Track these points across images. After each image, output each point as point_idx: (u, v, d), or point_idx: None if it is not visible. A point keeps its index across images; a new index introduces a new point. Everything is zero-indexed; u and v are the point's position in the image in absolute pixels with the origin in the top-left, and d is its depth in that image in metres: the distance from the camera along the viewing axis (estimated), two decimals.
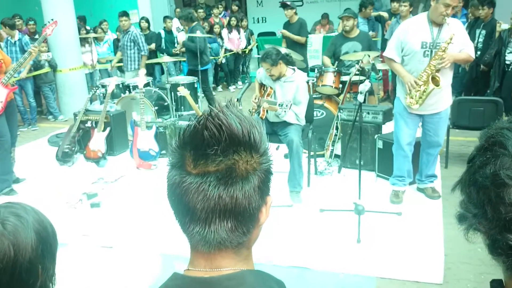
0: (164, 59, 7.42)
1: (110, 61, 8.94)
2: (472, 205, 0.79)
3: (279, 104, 4.20)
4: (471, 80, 7.38)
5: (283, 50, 5.34)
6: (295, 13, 7.68)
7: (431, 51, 3.88)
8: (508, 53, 6.41)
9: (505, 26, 6.58)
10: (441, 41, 3.83)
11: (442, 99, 4.06)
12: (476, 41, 6.81)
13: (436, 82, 3.88)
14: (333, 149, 5.27)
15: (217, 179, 0.82)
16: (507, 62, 6.41)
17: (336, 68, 5.63)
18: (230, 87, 10.61)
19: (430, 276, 3.25)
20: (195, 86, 7.18)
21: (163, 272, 3.52)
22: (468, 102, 5.41)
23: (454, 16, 6.34)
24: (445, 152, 5.17)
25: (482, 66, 6.90)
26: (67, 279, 3.44)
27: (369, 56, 5.39)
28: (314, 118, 5.04)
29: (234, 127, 0.83)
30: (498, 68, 6.53)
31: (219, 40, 10.17)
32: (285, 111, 4.23)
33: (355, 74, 5.38)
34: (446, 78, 3.97)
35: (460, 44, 3.86)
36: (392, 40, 4.13)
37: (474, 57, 4.11)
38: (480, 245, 0.96)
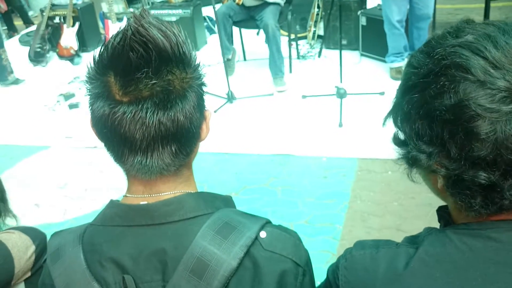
0: None
1: None
2: (424, 143, 0.67)
3: None
4: None
5: None
6: None
7: None
8: None
9: None
10: None
11: None
12: None
13: None
14: (315, 30, 5.02)
15: (154, 104, 0.73)
16: None
17: None
18: None
19: None
20: None
21: None
22: None
23: None
24: (432, 22, 4.95)
25: None
26: (54, 182, 3.47)
27: None
28: None
29: (160, 42, 0.72)
30: None
31: None
32: None
33: None
34: None
35: None
36: None
37: None
38: None
